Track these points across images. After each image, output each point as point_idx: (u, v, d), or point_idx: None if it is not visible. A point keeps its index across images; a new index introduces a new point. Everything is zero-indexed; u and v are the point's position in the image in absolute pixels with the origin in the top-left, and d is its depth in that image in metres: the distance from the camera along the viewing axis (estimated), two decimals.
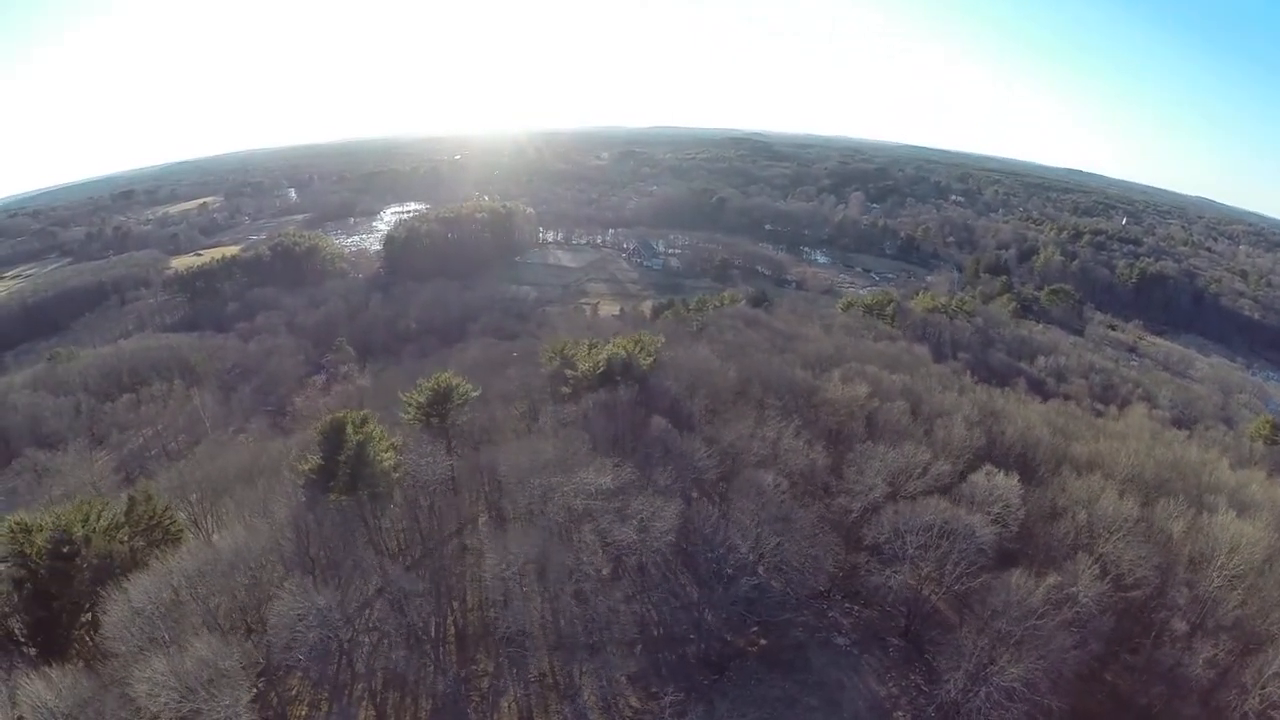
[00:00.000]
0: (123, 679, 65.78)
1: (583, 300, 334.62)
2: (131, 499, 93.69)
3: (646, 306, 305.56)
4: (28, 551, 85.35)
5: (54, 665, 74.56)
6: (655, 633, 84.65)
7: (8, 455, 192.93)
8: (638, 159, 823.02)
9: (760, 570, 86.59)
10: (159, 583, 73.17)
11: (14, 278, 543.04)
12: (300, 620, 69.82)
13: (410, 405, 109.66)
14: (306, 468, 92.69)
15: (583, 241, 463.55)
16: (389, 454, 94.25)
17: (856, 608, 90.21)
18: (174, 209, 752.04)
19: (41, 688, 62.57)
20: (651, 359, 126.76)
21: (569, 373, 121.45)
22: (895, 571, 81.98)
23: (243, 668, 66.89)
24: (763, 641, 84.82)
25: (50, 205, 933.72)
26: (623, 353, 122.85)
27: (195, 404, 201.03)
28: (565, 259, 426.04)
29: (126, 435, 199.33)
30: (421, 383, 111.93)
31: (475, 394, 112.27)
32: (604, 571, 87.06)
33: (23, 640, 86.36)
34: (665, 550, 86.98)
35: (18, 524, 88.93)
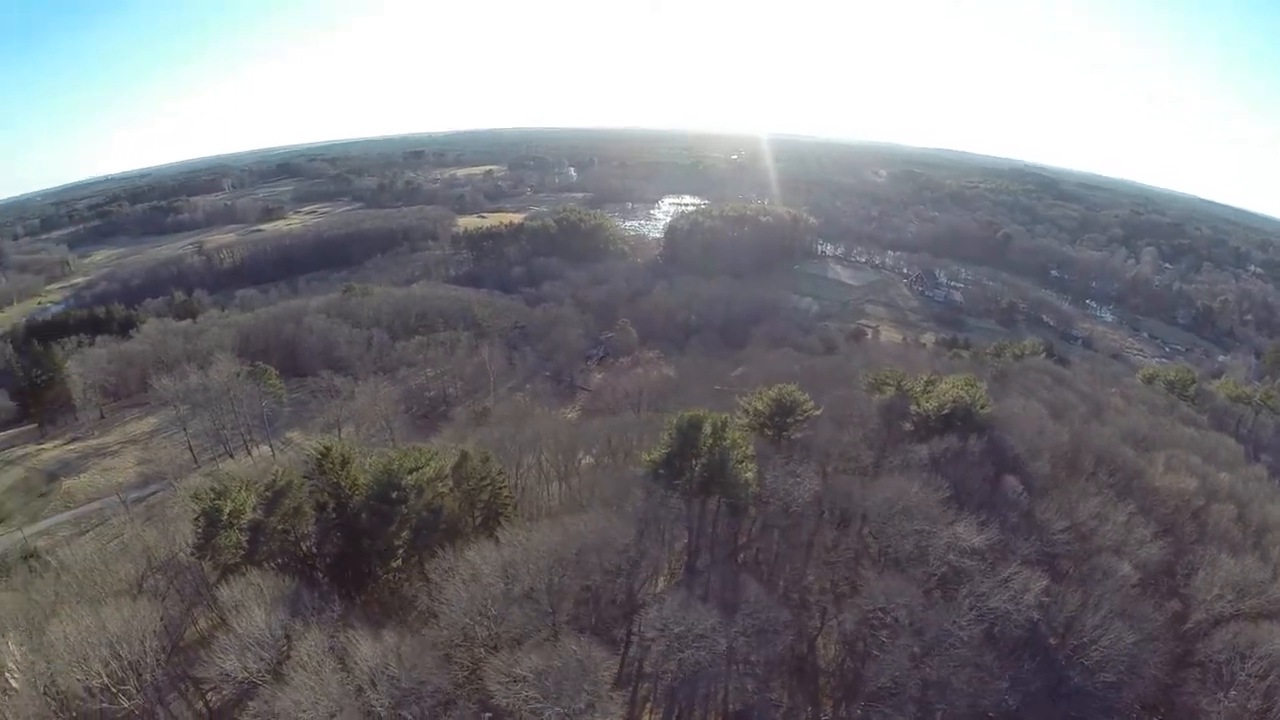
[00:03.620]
0: (456, 650, 64.20)
1: (862, 321, 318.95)
2: (463, 454, 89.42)
3: (928, 339, 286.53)
4: (342, 483, 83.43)
5: (358, 602, 77.67)
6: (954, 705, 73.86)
7: (298, 370, 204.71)
8: (918, 181, 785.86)
9: (1085, 663, 75.49)
10: (506, 556, 68.58)
11: (309, 213, 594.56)
12: (680, 639, 64.71)
13: (748, 411, 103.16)
14: (651, 458, 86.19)
15: (862, 260, 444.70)
16: (748, 464, 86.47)
17: None
18: (460, 172, 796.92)
19: (377, 651, 57.64)
20: (988, 408, 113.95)
21: (913, 409, 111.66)
22: (1222, 697, 73.29)
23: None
24: None
25: (345, 155, 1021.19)
26: (966, 396, 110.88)
27: (483, 357, 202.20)
28: (845, 275, 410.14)
29: (411, 372, 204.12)
30: (761, 390, 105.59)
31: (817, 413, 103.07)
32: (973, 638, 74.59)
33: (314, 565, 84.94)
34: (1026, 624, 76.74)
35: (327, 449, 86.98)
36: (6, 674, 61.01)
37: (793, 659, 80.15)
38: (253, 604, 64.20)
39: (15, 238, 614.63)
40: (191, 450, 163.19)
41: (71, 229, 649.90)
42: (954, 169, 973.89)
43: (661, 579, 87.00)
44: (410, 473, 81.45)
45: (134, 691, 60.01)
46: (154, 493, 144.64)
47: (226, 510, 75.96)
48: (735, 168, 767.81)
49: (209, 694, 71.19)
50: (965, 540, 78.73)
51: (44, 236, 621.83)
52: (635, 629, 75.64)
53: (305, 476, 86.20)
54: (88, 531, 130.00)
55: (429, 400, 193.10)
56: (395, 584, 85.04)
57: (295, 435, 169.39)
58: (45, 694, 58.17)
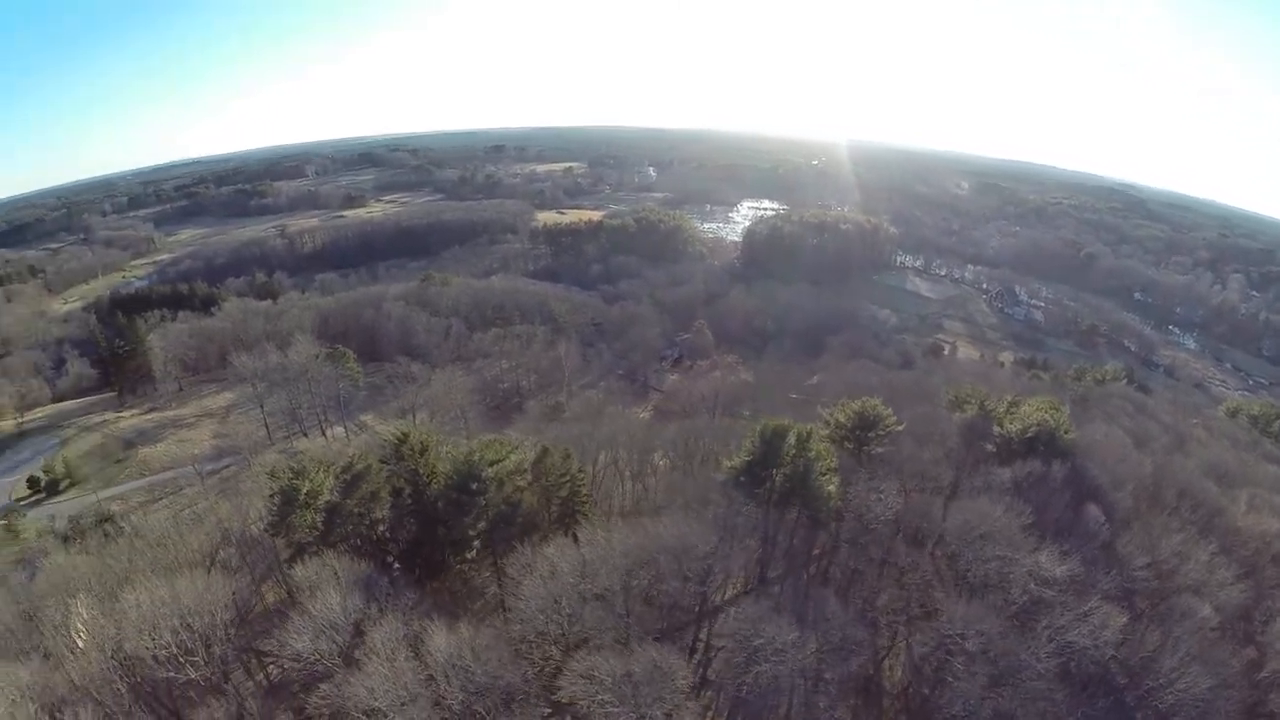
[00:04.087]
0: (528, 645, 63.95)
1: (939, 336, 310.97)
2: (544, 449, 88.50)
3: (1006, 358, 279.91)
4: (420, 470, 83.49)
5: (428, 589, 76.86)
6: None
7: (375, 355, 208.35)
8: (1001, 195, 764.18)
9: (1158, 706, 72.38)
10: (586, 555, 68.02)
11: (390, 202, 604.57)
12: (758, 651, 62.83)
13: (829, 422, 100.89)
14: (732, 465, 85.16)
15: (941, 273, 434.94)
16: (830, 477, 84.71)
17: None
18: (540, 168, 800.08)
19: (451, 643, 57.37)
20: (1071, 433, 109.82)
21: (996, 430, 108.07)
22: None
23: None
24: None
25: (427, 147, 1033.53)
26: (1050, 419, 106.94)
27: (559, 352, 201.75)
28: (923, 288, 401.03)
29: (486, 363, 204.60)
30: (844, 402, 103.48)
31: (900, 428, 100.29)
32: (1048, 671, 71.58)
33: (386, 550, 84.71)
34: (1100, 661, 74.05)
35: (406, 435, 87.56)
36: (74, 633, 61.45)
37: (860, 678, 77.87)
38: (328, 586, 64.02)
39: (103, 214, 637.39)
40: (267, 427, 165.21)
41: (158, 208, 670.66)
42: (1037, 184, 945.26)
43: (730, 587, 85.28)
44: (491, 465, 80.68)
45: (201, 663, 59.98)
46: (227, 466, 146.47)
47: (304, 490, 76.10)
48: (816, 173, 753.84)
49: (270, 667, 71.56)
50: (1047, 570, 76.25)
51: (131, 214, 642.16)
52: (703, 636, 74.28)
53: (382, 461, 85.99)
54: (161, 499, 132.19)
55: (502, 392, 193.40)
56: (466, 574, 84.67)
57: (369, 419, 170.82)
58: (112, 658, 58.33)
